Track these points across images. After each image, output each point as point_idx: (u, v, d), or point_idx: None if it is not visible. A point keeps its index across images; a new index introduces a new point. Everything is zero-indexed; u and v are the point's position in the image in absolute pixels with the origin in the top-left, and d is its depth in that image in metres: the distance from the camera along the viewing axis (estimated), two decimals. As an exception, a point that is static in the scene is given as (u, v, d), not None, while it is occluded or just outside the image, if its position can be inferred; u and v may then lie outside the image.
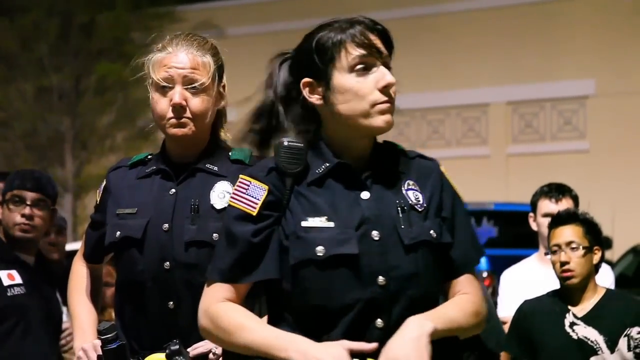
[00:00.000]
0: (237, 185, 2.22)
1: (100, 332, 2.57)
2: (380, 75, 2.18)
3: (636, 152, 15.91)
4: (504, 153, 17.53)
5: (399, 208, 2.20)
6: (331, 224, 2.15)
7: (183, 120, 2.67)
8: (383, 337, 2.11)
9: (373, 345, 2.10)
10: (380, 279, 2.14)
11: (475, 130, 17.89)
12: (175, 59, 2.69)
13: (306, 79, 2.21)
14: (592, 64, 16.49)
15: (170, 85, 2.68)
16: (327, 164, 2.21)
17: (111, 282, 3.72)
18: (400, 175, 2.26)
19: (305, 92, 2.21)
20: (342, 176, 2.21)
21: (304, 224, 2.16)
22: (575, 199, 4.52)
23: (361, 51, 2.17)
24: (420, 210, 2.22)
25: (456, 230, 2.26)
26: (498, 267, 4.87)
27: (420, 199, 2.24)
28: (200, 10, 18.06)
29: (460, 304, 2.22)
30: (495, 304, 4.59)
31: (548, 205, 4.48)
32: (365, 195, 2.20)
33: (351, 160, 2.23)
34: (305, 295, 2.15)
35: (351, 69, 2.17)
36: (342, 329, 2.13)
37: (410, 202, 2.22)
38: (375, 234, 2.16)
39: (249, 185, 2.20)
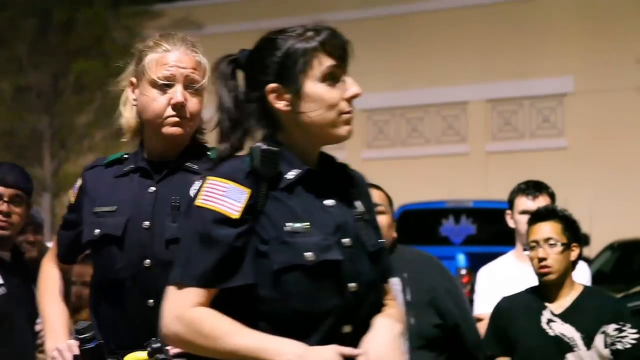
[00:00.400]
0: (212, 187, 2.17)
1: (78, 332, 2.57)
2: (348, 85, 2.20)
3: (614, 150, 16.01)
4: (483, 151, 17.60)
5: (356, 216, 2.24)
6: (312, 230, 2.15)
7: (181, 119, 2.68)
8: (351, 342, 2.13)
9: (359, 350, 2.12)
10: (353, 285, 2.16)
11: (454, 128, 17.96)
12: (176, 58, 2.68)
13: (272, 85, 2.19)
14: (571, 61, 16.57)
15: (170, 84, 2.67)
16: (298, 170, 2.20)
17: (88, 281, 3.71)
18: (345, 183, 2.29)
19: (271, 97, 2.19)
20: (309, 183, 2.21)
21: (286, 229, 2.15)
22: (552, 196, 4.55)
23: (332, 61, 2.18)
24: (367, 218, 2.26)
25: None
26: (477, 264, 4.90)
27: (363, 207, 2.28)
28: (179, 8, 18.02)
29: (396, 309, 2.30)
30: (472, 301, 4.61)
31: (525, 203, 4.51)
32: (329, 202, 2.21)
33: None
34: (287, 301, 2.13)
35: (323, 78, 2.18)
36: (318, 336, 2.13)
37: (361, 210, 2.26)
38: (346, 241, 2.18)
39: (227, 188, 2.16)
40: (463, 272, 8.84)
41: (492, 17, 17.26)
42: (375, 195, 3.63)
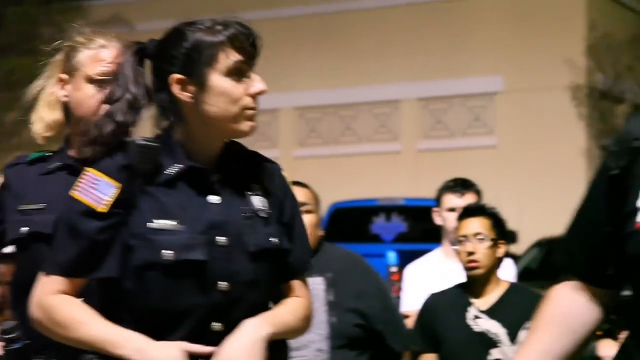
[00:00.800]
0: (85, 180, 2.19)
1: (4, 332, 2.54)
2: (254, 82, 2.20)
3: (542, 148, 16.26)
4: (414, 149, 17.74)
5: (244, 214, 2.23)
6: (180, 228, 2.16)
7: None
8: (221, 340, 2.15)
9: (210, 348, 2.14)
10: (223, 284, 2.17)
11: (386, 126, 18.07)
12: (112, 54, 2.63)
13: (177, 76, 2.18)
14: (500, 61, 16.79)
15: (106, 80, 2.63)
16: (179, 166, 2.20)
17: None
18: (247, 179, 2.28)
19: (175, 88, 2.19)
20: (192, 178, 2.21)
21: (152, 225, 2.15)
22: (479, 194, 4.62)
23: (240, 57, 2.19)
24: (264, 216, 2.25)
25: (294, 236, 2.31)
26: (407, 261, 4.94)
27: (265, 204, 2.27)
28: (109, 5, 17.85)
29: (294, 308, 2.28)
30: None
31: (452, 200, 4.57)
32: (214, 199, 2.21)
33: (203, 162, 2.23)
34: (147, 297, 2.15)
35: (228, 73, 2.18)
36: (182, 333, 2.14)
37: (255, 207, 2.25)
38: (221, 240, 2.18)
39: (99, 181, 2.17)
40: (393, 269, 8.89)
41: (425, 16, 17.40)
42: (302, 194, 3.63)
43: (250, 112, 2.21)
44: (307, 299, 2.34)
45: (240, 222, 2.21)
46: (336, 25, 17.71)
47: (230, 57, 2.18)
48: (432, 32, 17.25)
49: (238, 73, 2.19)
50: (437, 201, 4.67)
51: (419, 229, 11.25)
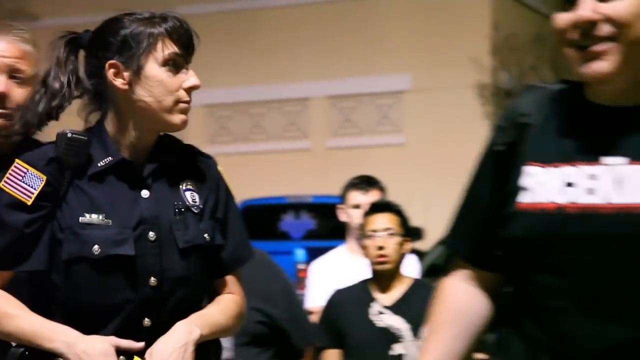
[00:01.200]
0: (13, 171, 2.18)
1: None
2: (189, 76, 2.22)
3: (449, 146, 16.47)
4: (324, 146, 17.81)
5: (176, 209, 2.22)
6: (109, 222, 2.15)
7: (6, 111, 2.57)
8: (150, 335, 2.15)
9: (140, 344, 2.14)
10: (152, 280, 2.16)
11: (296, 124, 18.10)
12: (0, 47, 2.57)
13: (113, 61, 2.19)
14: (408, 59, 16.96)
15: None
16: (110, 159, 2.19)
17: None
18: (180, 173, 2.27)
19: (110, 73, 2.19)
20: (123, 172, 2.20)
21: (81, 219, 2.15)
22: (383, 190, 4.67)
23: (176, 49, 2.20)
24: (196, 211, 2.24)
25: (228, 231, 2.30)
26: (316, 258, 4.97)
27: (197, 199, 2.26)
28: (14, -1, 17.49)
29: (225, 307, 2.28)
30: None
31: (357, 197, 4.61)
32: (145, 194, 2.20)
33: (135, 155, 2.23)
34: (75, 292, 2.14)
35: (164, 63, 2.19)
36: (112, 328, 2.14)
37: (187, 203, 2.24)
38: (151, 235, 2.17)
39: (25, 173, 2.16)
40: (302, 266, 8.91)
41: (334, 15, 17.47)
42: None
43: (183, 105, 2.21)
44: (240, 296, 2.33)
45: (172, 218, 2.20)
46: (245, 22, 17.66)
47: (167, 48, 2.19)
48: (341, 30, 17.33)
49: (174, 65, 2.20)
50: (342, 198, 4.71)
51: (328, 226, 11.30)
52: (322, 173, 17.26)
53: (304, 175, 17.01)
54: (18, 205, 2.14)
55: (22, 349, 2.14)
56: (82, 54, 2.31)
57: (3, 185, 2.17)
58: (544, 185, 1.75)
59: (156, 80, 2.18)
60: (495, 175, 1.86)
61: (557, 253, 1.72)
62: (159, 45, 2.19)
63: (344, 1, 17.56)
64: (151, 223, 2.17)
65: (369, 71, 17.20)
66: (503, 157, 1.84)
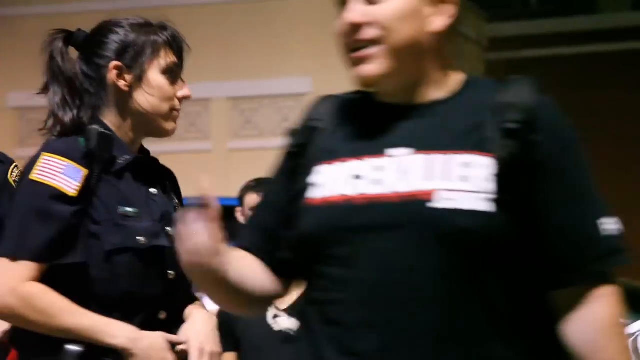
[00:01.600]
0: (49, 164, 2.18)
1: None
2: (184, 86, 2.33)
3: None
4: (225, 148, 17.76)
5: (175, 207, 2.32)
6: (143, 216, 2.21)
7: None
8: (163, 329, 2.20)
9: (183, 338, 2.20)
10: (172, 273, 2.22)
11: (197, 125, 18.00)
12: None
13: (117, 63, 2.26)
14: (309, 62, 17.03)
15: None
16: (127, 157, 2.26)
17: None
18: (161, 176, 2.37)
19: (113, 74, 2.26)
20: (136, 170, 2.27)
21: (120, 211, 2.19)
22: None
23: (175, 59, 2.31)
24: None
25: None
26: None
27: (176, 200, 2.38)
28: None
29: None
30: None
31: (254, 199, 4.61)
32: (154, 191, 2.29)
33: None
34: (113, 284, 2.16)
35: (164, 71, 2.29)
36: (137, 321, 2.17)
37: (175, 202, 2.35)
38: (170, 230, 2.23)
39: (64, 166, 2.17)
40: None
41: (236, 16, 17.44)
42: None
43: (176, 113, 2.34)
44: None
45: (174, 215, 2.27)
46: (146, 22, 17.55)
47: (169, 57, 2.30)
48: (243, 32, 17.31)
49: (172, 74, 2.30)
50: (240, 201, 4.71)
51: (229, 228, 11.27)
52: (223, 174, 17.19)
53: (205, 176, 16.94)
54: (62, 196, 2.14)
55: (80, 348, 2.11)
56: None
57: (37, 177, 2.16)
58: (333, 180, 1.77)
59: (156, 86, 2.27)
60: (288, 176, 1.90)
61: (346, 244, 1.71)
62: (162, 53, 2.28)
63: (246, 2, 17.55)
64: (168, 218, 2.24)
65: (270, 73, 17.21)
66: (294, 158, 1.89)
